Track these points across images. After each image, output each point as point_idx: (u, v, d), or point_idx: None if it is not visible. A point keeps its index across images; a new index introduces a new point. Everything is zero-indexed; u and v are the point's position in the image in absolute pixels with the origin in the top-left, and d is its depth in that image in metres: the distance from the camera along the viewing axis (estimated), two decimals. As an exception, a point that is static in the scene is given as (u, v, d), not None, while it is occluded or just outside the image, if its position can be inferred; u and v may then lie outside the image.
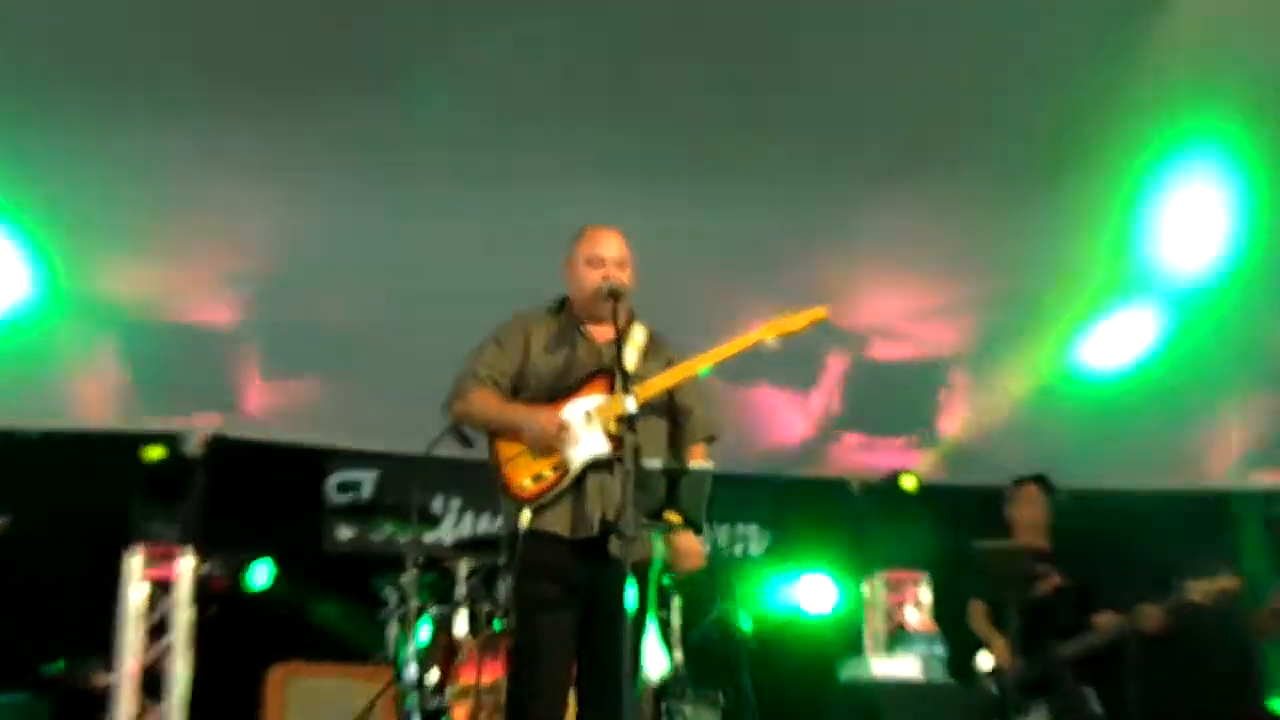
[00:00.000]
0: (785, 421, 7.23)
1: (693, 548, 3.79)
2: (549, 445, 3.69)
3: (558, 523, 3.71)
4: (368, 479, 7.08)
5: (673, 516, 3.47)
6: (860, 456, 7.42)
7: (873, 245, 6.20)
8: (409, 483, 5.84)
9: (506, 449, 3.79)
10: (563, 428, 3.69)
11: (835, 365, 7.02)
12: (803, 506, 7.66)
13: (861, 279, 6.38)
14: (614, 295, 3.78)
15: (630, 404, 3.50)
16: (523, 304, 4.01)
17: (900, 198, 5.72)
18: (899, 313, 6.69)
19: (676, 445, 3.88)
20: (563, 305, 3.98)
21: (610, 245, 3.89)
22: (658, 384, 3.76)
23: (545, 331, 3.92)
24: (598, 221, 3.98)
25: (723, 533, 7.65)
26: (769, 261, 6.07)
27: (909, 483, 7.42)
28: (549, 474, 3.72)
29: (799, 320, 3.82)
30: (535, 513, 3.70)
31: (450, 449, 4.81)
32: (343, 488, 7.08)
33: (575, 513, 3.69)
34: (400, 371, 5.83)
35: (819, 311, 3.84)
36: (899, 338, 6.84)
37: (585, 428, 3.71)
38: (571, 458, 3.71)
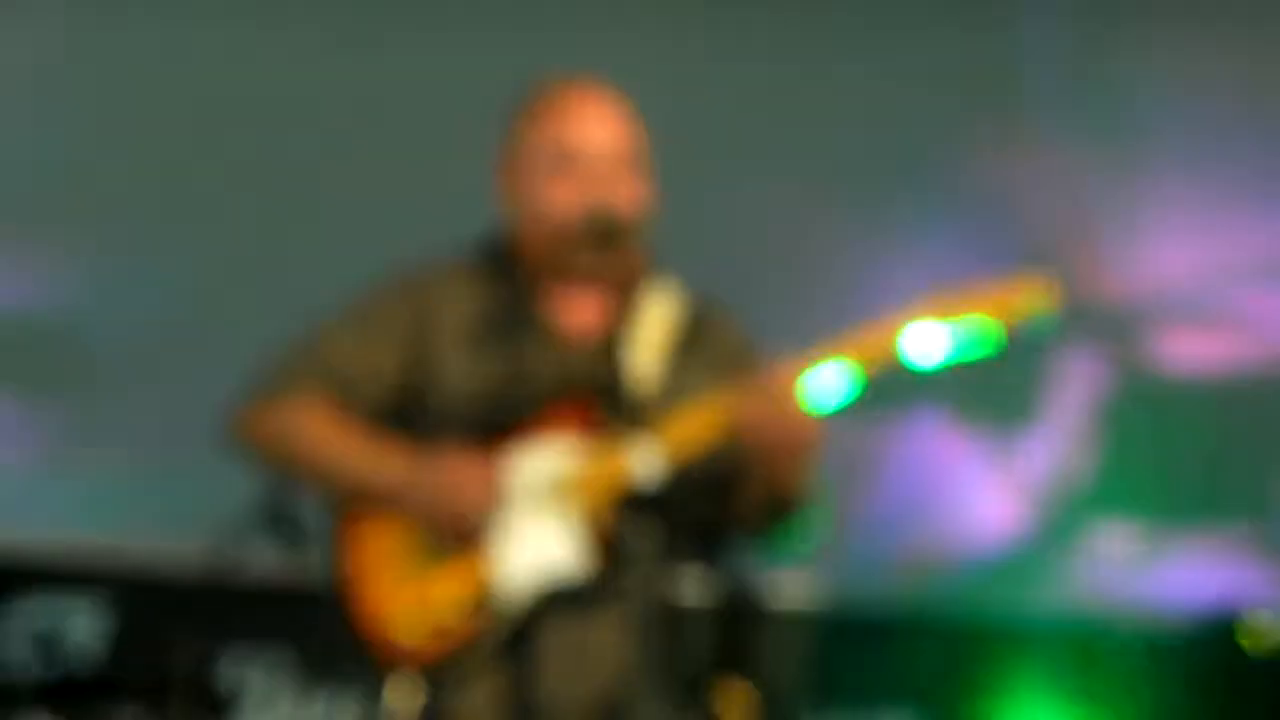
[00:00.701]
0: (973, 499, 7.36)
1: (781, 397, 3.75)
2: (462, 532, 3.78)
3: (477, 714, 3.78)
4: (88, 624, 7.13)
5: (732, 689, 3.66)
6: (1133, 572, 7.49)
7: (1159, 128, 6.34)
8: (177, 629, 5.90)
9: (367, 544, 3.87)
10: (493, 490, 3.77)
11: (1076, 378, 7.12)
12: (1011, 675, 7.73)
13: (1136, 197, 6.51)
14: (608, 234, 3.87)
15: (646, 467, 3.57)
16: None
17: (1213, 30, 5.83)
18: (1217, 268, 6.76)
19: (743, 538, 3.97)
20: (497, 254, 4.07)
21: (596, 125, 3.98)
22: (703, 421, 3.79)
23: (462, 308, 4.01)
24: (578, 69, 4.08)
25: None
26: (936, 159, 6.25)
27: (1254, 634, 7.55)
28: (458, 613, 3.79)
29: (1005, 299, 3.87)
30: (433, 693, 3.76)
31: (266, 562, 4.84)
32: (43, 643, 7.08)
33: (515, 696, 3.75)
34: (173, 389, 5.96)
35: (1043, 284, 3.88)
36: (1223, 321, 6.96)
37: (541, 517, 3.77)
38: (509, 582, 3.76)
